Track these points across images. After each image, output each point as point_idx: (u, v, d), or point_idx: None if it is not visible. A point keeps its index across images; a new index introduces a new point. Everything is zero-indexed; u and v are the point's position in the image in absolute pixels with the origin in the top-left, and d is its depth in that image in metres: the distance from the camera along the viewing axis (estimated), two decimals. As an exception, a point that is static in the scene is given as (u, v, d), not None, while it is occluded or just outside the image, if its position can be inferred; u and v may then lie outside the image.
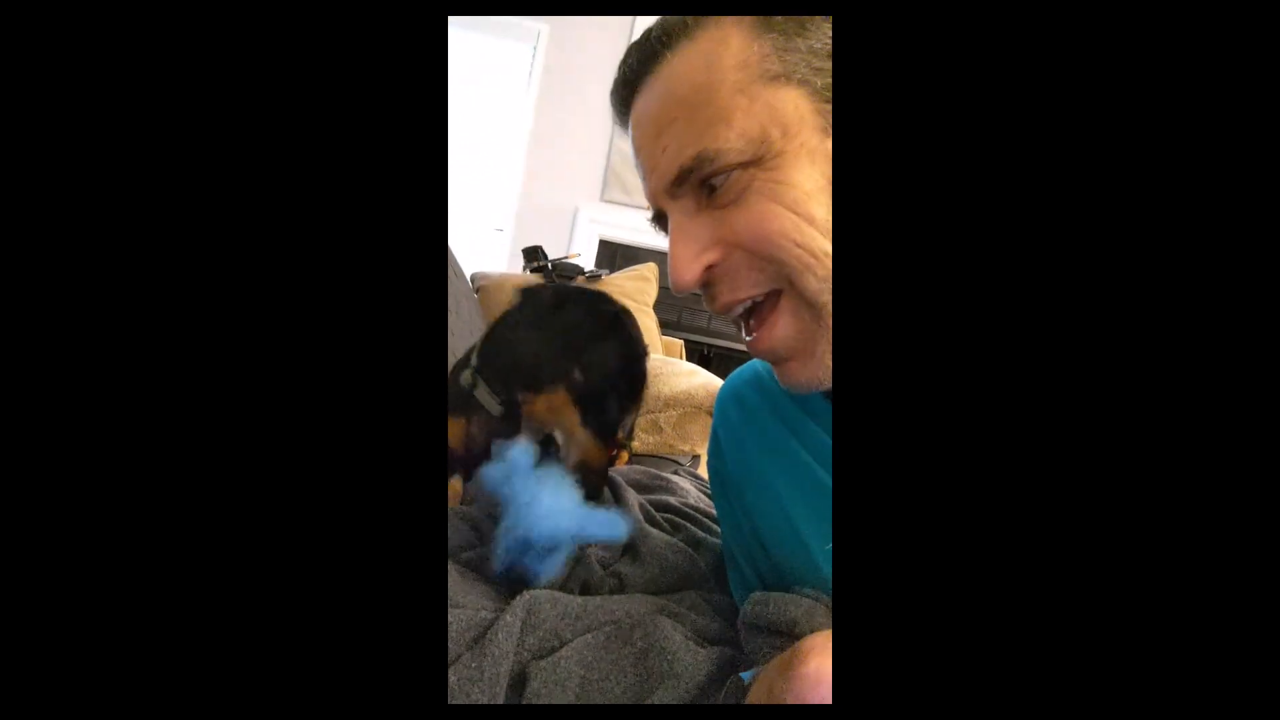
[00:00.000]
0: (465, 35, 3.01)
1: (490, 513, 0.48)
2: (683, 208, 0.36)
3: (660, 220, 0.40)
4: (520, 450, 0.51)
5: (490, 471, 0.49)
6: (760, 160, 0.33)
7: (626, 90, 0.38)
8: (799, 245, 0.33)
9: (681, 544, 0.55)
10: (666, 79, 0.36)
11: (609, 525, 0.49)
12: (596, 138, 3.00)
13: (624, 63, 0.38)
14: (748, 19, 0.34)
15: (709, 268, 0.36)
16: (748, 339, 0.38)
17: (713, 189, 0.35)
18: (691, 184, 0.35)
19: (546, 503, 0.47)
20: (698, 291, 0.39)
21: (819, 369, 0.35)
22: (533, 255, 1.67)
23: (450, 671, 0.33)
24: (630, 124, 0.39)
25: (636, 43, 0.38)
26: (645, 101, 0.37)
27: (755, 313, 0.37)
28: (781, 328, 0.36)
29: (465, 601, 0.40)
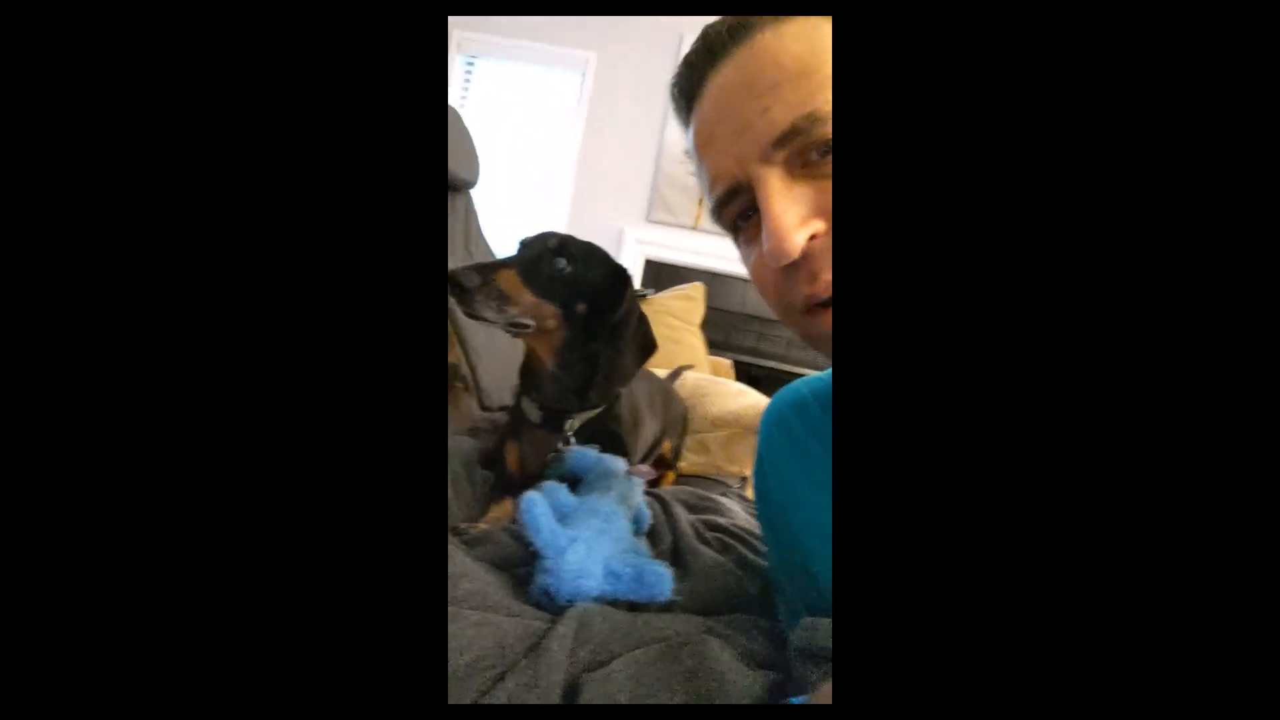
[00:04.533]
0: (517, 68, 3.13)
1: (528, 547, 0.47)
2: (778, 173, 0.34)
3: (726, 204, 0.38)
4: (546, 500, 0.49)
5: (523, 514, 0.47)
6: None
7: (706, 64, 0.37)
8: None
9: (731, 565, 0.55)
10: (762, 48, 0.35)
11: (645, 585, 0.46)
12: (642, 160, 3.05)
13: (699, 42, 0.38)
14: None
15: (813, 238, 0.34)
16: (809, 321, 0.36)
17: (807, 160, 0.33)
18: (794, 147, 0.34)
19: (571, 561, 0.44)
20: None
21: None
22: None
23: (508, 678, 0.34)
24: (702, 101, 0.38)
25: (710, 27, 0.37)
26: (734, 69, 0.36)
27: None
28: None
29: (520, 610, 0.41)
